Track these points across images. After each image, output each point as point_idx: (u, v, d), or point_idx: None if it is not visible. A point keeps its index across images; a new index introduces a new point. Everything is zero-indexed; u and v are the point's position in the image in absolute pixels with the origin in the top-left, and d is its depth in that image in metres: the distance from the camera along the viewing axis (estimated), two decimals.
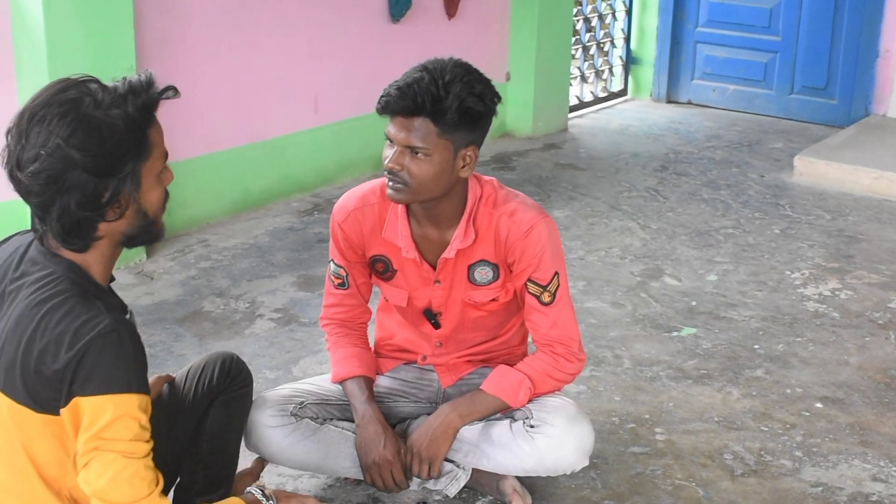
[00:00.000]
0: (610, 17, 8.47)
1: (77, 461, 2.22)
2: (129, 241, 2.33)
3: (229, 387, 2.89)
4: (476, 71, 2.87)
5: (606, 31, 8.47)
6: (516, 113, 7.33)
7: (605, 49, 8.51)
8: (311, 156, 6.06)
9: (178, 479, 2.84)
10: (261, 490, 2.52)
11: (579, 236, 5.47)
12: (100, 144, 2.15)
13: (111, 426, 2.18)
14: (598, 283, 4.85)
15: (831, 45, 7.88)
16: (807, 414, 3.78)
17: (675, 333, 4.40)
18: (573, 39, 7.84)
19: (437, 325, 3.15)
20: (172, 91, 2.28)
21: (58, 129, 2.14)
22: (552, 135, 7.49)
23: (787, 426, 3.69)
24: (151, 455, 2.27)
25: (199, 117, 5.29)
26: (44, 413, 2.22)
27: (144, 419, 2.23)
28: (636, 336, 4.36)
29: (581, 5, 8.15)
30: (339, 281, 3.17)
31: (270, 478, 3.24)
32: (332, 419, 3.12)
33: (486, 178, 3.06)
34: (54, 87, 2.22)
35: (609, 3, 8.44)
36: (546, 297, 3.01)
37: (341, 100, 6.18)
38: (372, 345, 3.31)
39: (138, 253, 4.92)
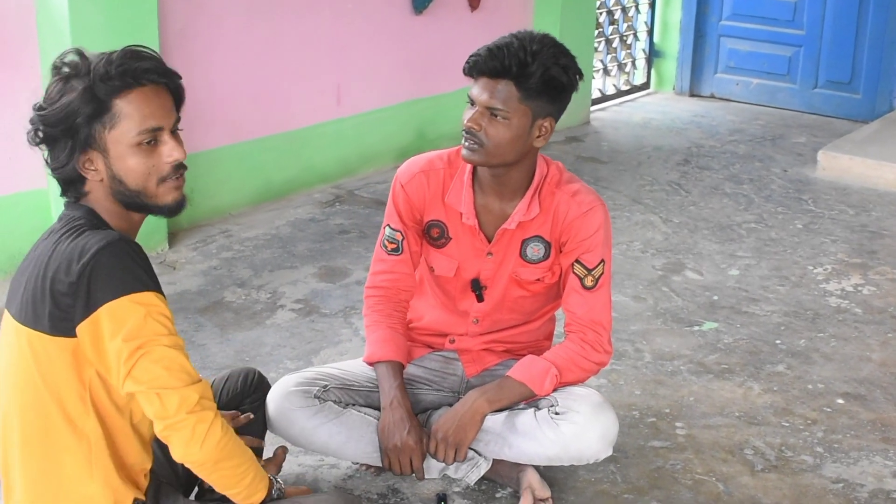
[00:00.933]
0: (633, 9, 8.45)
1: (119, 371, 2.29)
2: (129, 207, 2.43)
3: (252, 394, 3.02)
4: (563, 46, 2.95)
5: (629, 23, 8.45)
6: None
7: (628, 42, 8.49)
8: (333, 147, 6.07)
9: (200, 481, 2.86)
10: (276, 480, 2.61)
11: None
12: (54, 102, 2.35)
13: (144, 325, 2.28)
14: (619, 277, 4.84)
15: (856, 39, 7.84)
16: (828, 410, 3.77)
17: (696, 328, 4.39)
18: (596, 32, 7.83)
19: (480, 298, 3.17)
20: (178, 79, 2.43)
21: (47, 92, 2.39)
22: (574, 128, 7.48)
23: (809, 422, 3.68)
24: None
25: (221, 108, 5.31)
26: (61, 336, 2.29)
27: (170, 314, 2.34)
28: (657, 330, 4.35)
29: None
30: (394, 246, 3.19)
31: (291, 468, 3.25)
32: (354, 404, 3.13)
33: (553, 160, 3.13)
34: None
35: None
36: (589, 282, 3.05)
37: (364, 91, 6.19)
38: None
39: (160, 242, 4.94)
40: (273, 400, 3.05)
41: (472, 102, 2.93)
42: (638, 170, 6.57)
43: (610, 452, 3.04)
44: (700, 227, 5.58)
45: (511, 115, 2.88)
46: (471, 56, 2.91)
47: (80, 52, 2.39)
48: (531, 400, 3.07)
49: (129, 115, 2.35)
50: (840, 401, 3.83)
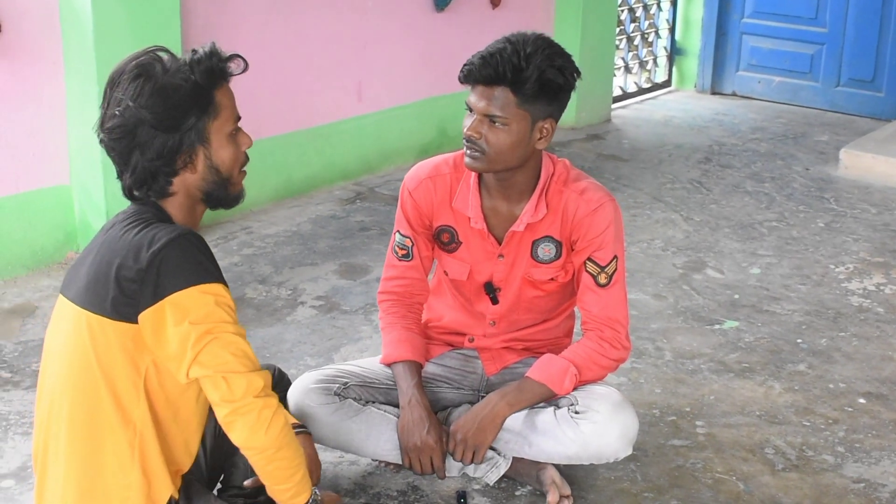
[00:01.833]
0: (655, 7, 8.43)
1: (185, 356, 2.33)
2: (208, 199, 2.51)
3: (272, 390, 2.99)
4: (558, 45, 2.93)
5: (651, 21, 8.43)
6: None
7: (650, 39, 8.47)
8: (354, 144, 6.08)
9: (223, 476, 2.88)
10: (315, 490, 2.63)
11: None
12: (163, 102, 2.36)
13: (213, 313, 2.33)
14: (640, 275, 4.84)
15: (879, 37, 7.80)
16: (849, 409, 3.75)
17: (717, 326, 4.38)
18: (617, 29, 7.81)
19: (495, 301, 3.17)
20: (243, 63, 2.53)
21: (129, 91, 2.37)
22: (595, 125, 7.47)
23: (830, 421, 3.67)
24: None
25: (243, 104, 5.27)
26: (122, 321, 2.34)
27: (234, 305, 2.41)
28: (678, 328, 4.34)
29: None
30: (404, 252, 3.20)
31: None
32: (374, 402, 3.14)
33: (559, 158, 3.12)
34: (130, 56, 2.44)
35: None
36: (602, 279, 3.04)
37: (385, 88, 6.19)
38: None
39: None
40: (293, 397, 3.06)
41: (471, 110, 2.92)
42: (659, 168, 6.56)
43: (630, 451, 3.04)
44: (721, 226, 5.56)
45: (510, 121, 2.87)
46: (464, 65, 2.90)
47: (166, 50, 2.46)
48: (551, 399, 3.06)
49: (227, 105, 2.48)
50: (861, 400, 3.82)
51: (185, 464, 2.54)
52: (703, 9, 8.46)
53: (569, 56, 2.93)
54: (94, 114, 2.54)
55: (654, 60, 8.54)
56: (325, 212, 5.59)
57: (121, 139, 2.38)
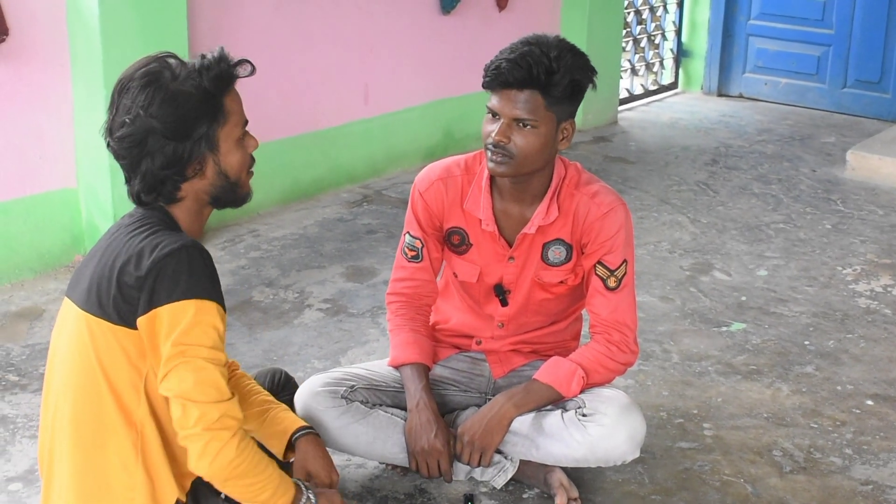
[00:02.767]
0: (661, 9, 8.43)
1: (159, 371, 2.34)
2: (215, 202, 2.52)
3: (279, 394, 3.03)
4: (576, 46, 2.94)
5: (657, 23, 8.43)
6: None
7: (656, 41, 8.47)
8: (360, 147, 6.08)
9: None
10: (304, 485, 2.61)
11: None
12: (174, 111, 2.37)
13: (193, 331, 2.32)
14: (647, 277, 4.83)
15: (885, 38, 7.80)
16: (857, 411, 3.75)
17: (724, 328, 4.37)
18: (624, 32, 7.81)
19: (504, 303, 3.17)
20: (250, 67, 2.51)
21: (139, 100, 2.37)
22: (602, 127, 7.46)
23: (838, 423, 3.66)
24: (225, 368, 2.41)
25: (250, 107, 5.26)
26: (122, 326, 2.35)
27: (222, 329, 2.39)
28: (685, 331, 4.34)
29: None
30: (413, 253, 3.20)
31: None
32: (381, 405, 3.14)
33: (571, 161, 3.13)
34: (139, 63, 2.44)
35: None
36: (612, 282, 3.04)
37: (391, 91, 6.20)
38: None
39: None
40: (300, 400, 3.06)
41: (495, 115, 2.91)
42: (666, 170, 6.55)
43: (637, 454, 3.03)
44: (728, 228, 5.56)
45: (539, 124, 2.87)
46: (490, 69, 2.89)
47: (174, 56, 2.45)
48: (558, 402, 3.06)
49: (235, 111, 2.48)
50: (869, 402, 3.81)
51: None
52: (710, 11, 8.46)
53: (587, 56, 2.95)
54: (102, 117, 2.54)
55: (661, 62, 8.54)
56: (332, 215, 5.59)
57: (131, 148, 2.39)
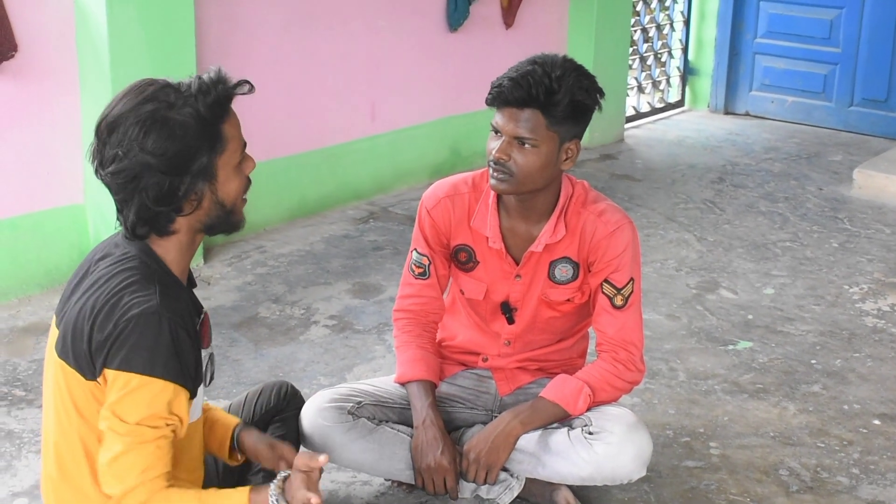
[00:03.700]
0: (668, 27, 8.44)
1: (98, 428, 2.32)
2: (209, 231, 2.43)
3: (285, 408, 3.04)
4: (583, 66, 2.95)
5: (664, 41, 8.44)
6: None
7: (663, 59, 8.48)
8: (367, 164, 6.09)
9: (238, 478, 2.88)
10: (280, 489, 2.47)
11: None
12: (172, 145, 2.25)
13: (123, 403, 2.26)
14: (653, 295, 4.83)
15: (892, 57, 7.80)
16: (864, 431, 3.74)
17: (730, 347, 4.36)
18: (631, 49, 7.82)
19: (511, 321, 3.17)
20: (248, 86, 2.37)
21: (133, 132, 2.24)
22: (608, 145, 7.47)
23: (845, 443, 3.65)
24: (164, 443, 2.32)
25: (257, 124, 5.33)
26: (90, 381, 2.32)
27: (160, 403, 2.28)
28: (691, 349, 4.33)
29: (639, 15, 8.13)
30: (420, 270, 3.20)
31: (324, 484, 3.25)
32: (387, 421, 3.14)
33: (578, 180, 3.13)
34: (132, 90, 2.32)
35: (667, 13, 8.41)
36: (619, 301, 3.04)
37: (398, 108, 6.21)
38: None
39: (196, 258, 4.96)
40: (307, 415, 3.06)
41: (497, 132, 2.92)
42: (672, 187, 6.55)
43: (644, 473, 3.03)
44: (735, 246, 5.55)
45: (539, 143, 2.88)
46: (493, 87, 2.90)
47: (167, 83, 2.33)
48: (565, 420, 3.06)
49: (234, 136, 2.36)
50: (876, 422, 3.80)
51: (200, 471, 2.54)
52: (717, 29, 8.47)
53: (594, 77, 2.95)
54: None
55: (668, 80, 8.54)
56: (339, 231, 5.59)
57: (125, 183, 2.28)
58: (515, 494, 3.11)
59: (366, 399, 3.14)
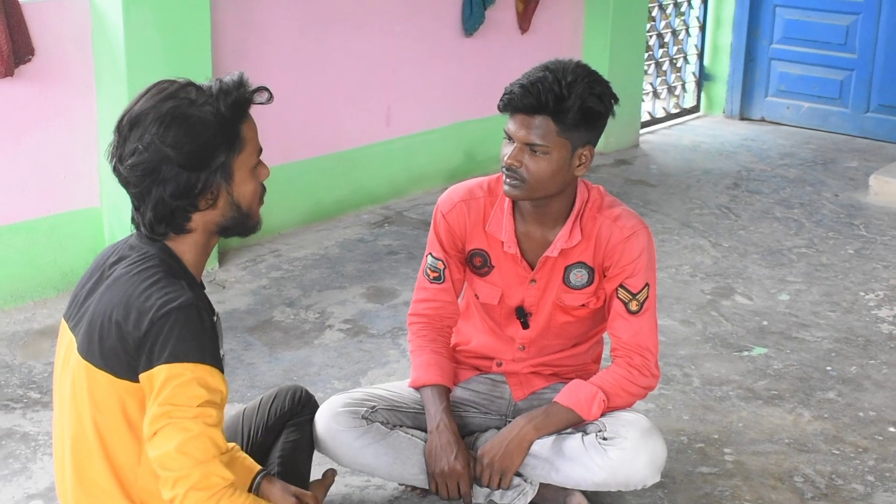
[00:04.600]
0: (683, 32, 8.43)
1: (146, 430, 2.29)
2: (224, 232, 2.46)
3: (300, 413, 3.04)
4: (596, 73, 2.94)
5: (680, 46, 8.43)
6: None
7: (678, 65, 8.47)
8: (382, 168, 6.09)
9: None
10: None
11: None
12: (191, 141, 2.29)
13: (181, 391, 2.26)
14: (668, 301, 4.82)
15: None
16: (880, 438, 3.73)
17: (745, 353, 4.36)
18: (646, 55, 7.81)
19: (525, 325, 3.17)
20: (268, 95, 2.42)
21: (153, 127, 2.29)
22: (623, 150, 7.46)
23: (860, 450, 3.64)
24: (221, 426, 2.34)
25: (273, 128, 5.34)
26: (125, 379, 2.31)
27: (215, 390, 2.31)
28: (706, 355, 4.33)
29: (654, 21, 8.12)
30: (435, 275, 3.20)
31: (338, 489, 3.26)
32: (401, 426, 3.14)
33: (593, 184, 3.13)
34: (153, 88, 2.36)
35: (683, 18, 8.39)
36: (634, 306, 3.04)
37: (413, 113, 6.21)
38: None
39: (211, 262, 4.98)
40: (321, 420, 3.07)
41: (510, 138, 2.93)
42: (687, 193, 6.54)
43: (658, 478, 3.02)
44: (750, 252, 5.54)
45: (551, 149, 2.88)
46: (504, 93, 2.91)
47: (190, 83, 2.38)
48: (579, 425, 3.06)
49: (251, 138, 2.41)
50: (892, 429, 3.79)
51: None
52: (732, 34, 8.45)
53: (607, 83, 2.94)
54: None
55: (683, 86, 8.53)
56: (353, 235, 5.60)
57: (143, 176, 2.32)
58: (529, 499, 3.11)
59: (380, 403, 3.14)
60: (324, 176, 5.78)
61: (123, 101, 4.52)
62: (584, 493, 3.11)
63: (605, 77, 2.97)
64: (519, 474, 3.08)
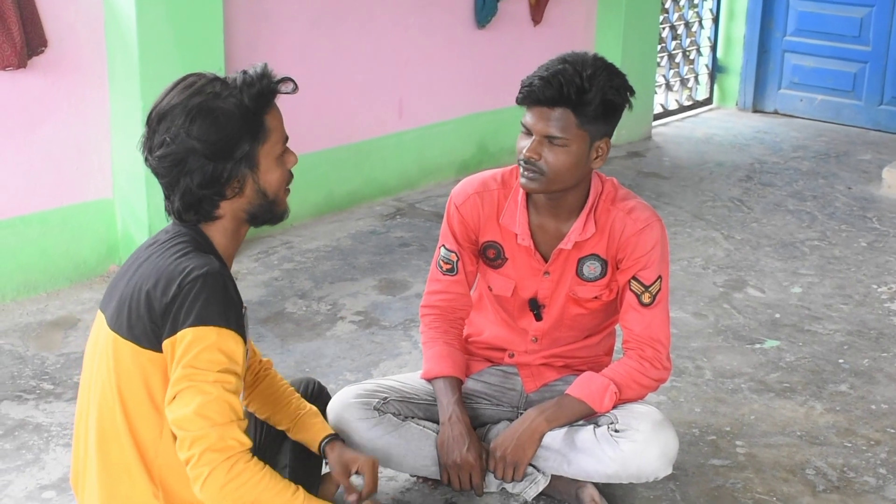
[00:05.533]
0: (696, 24, 8.41)
1: (168, 393, 2.33)
2: (253, 220, 2.53)
3: (312, 404, 3.01)
4: (613, 65, 2.93)
5: (693, 38, 8.41)
6: None
7: (691, 57, 8.45)
8: (394, 160, 6.10)
9: None
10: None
11: None
12: (216, 132, 2.37)
13: (203, 355, 2.31)
14: (680, 293, 4.82)
15: None
16: (892, 431, 3.72)
17: (757, 346, 4.35)
18: (659, 47, 7.80)
19: (538, 317, 3.17)
20: (293, 85, 2.51)
21: (180, 119, 2.36)
22: (636, 143, 7.45)
23: (872, 443, 3.64)
24: (240, 392, 2.39)
25: (285, 120, 5.35)
26: (149, 349, 2.36)
27: (239, 355, 2.37)
28: (718, 347, 4.32)
29: (667, 13, 8.11)
30: (448, 266, 3.20)
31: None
32: (413, 417, 3.14)
33: (607, 177, 3.12)
34: (181, 83, 2.43)
35: (696, 10, 8.38)
36: (646, 298, 3.03)
37: (426, 105, 6.21)
38: None
39: None
40: (333, 411, 3.07)
41: (528, 131, 2.92)
42: (700, 185, 6.53)
43: (670, 471, 3.02)
44: (762, 244, 5.53)
45: (570, 142, 2.87)
46: (523, 86, 2.90)
47: (215, 76, 2.44)
48: (591, 417, 3.06)
49: (276, 128, 2.48)
50: None
51: None
52: (746, 26, 8.44)
53: (624, 76, 2.94)
54: (138, 128, 2.55)
55: (696, 78, 8.52)
56: (366, 227, 5.60)
57: (171, 167, 2.39)
58: (541, 489, 3.11)
59: (392, 395, 3.14)
60: (336, 168, 5.78)
61: (136, 94, 4.57)
62: (596, 484, 3.11)
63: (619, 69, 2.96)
64: (531, 465, 3.09)
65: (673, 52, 8.20)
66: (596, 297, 3.13)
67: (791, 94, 8.39)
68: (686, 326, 4.49)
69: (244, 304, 2.50)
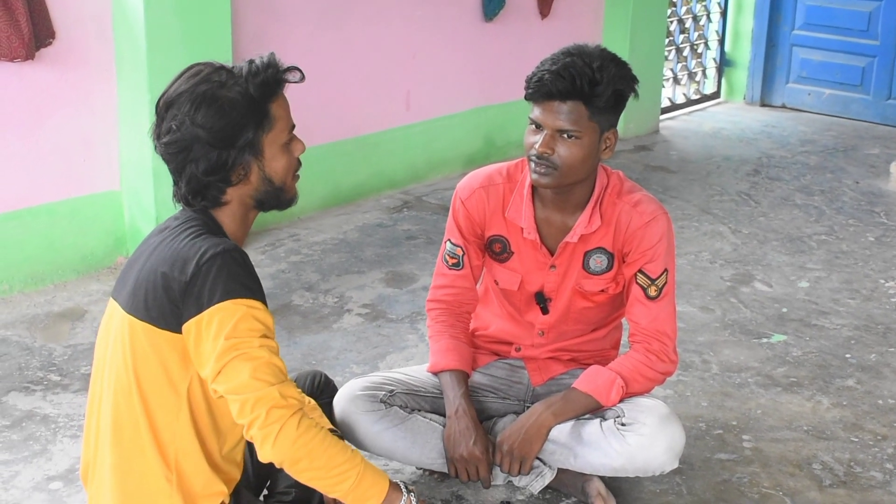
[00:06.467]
0: (704, 18, 8.40)
1: (210, 369, 2.34)
2: (260, 206, 2.55)
3: (319, 397, 3.02)
4: (617, 55, 2.93)
5: (700, 32, 8.40)
6: None
7: (699, 51, 8.44)
8: (401, 153, 6.10)
9: (270, 482, 2.89)
10: (404, 484, 2.54)
11: None
12: (219, 120, 2.39)
13: (241, 325, 2.33)
14: (687, 287, 4.81)
15: None
16: None
17: (764, 340, 4.34)
18: (667, 40, 7.79)
19: (545, 311, 3.17)
20: (300, 75, 2.54)
21: (185, 107, 2.40)
22: (643, 136, 7.44)
23: (879, 437, 3.63)
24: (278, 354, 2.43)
25: (292, 113, 5.35)
26: (167, 330, 2.37)
27: (271, 323, 2.42)
28: (725, 341, 4.32)
29: (675, 6, 8.09)
30: (454, 261, 3.20)
31: None
32: (420, 410, 3.14)
33: (613, 170, 3.12)
34: (189, 71, 2.47)
35: (704, 4, 8.37)
36: (652, 291, 3.03)
37: (433, 97, 6.21)
38: None
39: None
40: (339, 403, 3.07)
41: (538, 126, 2.90)
42: (707, 179, 6.53)
43: (676, 465, 3.02)
44: (770, 239, 5.53)
45: (583, 134, 2.87)
46: (532, 80, 2.88)
47: (222, 66, 2.47)
48: (597, 411, 3.06)
49: (281, 116, 2.50)
50: None
51: (234, 473, 2.55)
52: (754, 20, 8.42)
53: (628, 65, 2.94)
54: (146, 121, 2.57)
55: (703, 72, 8.51)
56: (373, 220, 5.61)
57: (176, 154, 2.42)
58: (547, 482, 3.11)
59: (398, 388, 3.15)
60: (343, 160, 5.78)
61: (143, 86, 4.57)
62: (603, 478, 3.11)
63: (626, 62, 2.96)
64: (537, 458, 3.09)
65: (681, 45, 8.19)
66: (602, 291, 3.12)
67: (799, 89, 8.37)
68: (693, 320, 4.49)
69: None
